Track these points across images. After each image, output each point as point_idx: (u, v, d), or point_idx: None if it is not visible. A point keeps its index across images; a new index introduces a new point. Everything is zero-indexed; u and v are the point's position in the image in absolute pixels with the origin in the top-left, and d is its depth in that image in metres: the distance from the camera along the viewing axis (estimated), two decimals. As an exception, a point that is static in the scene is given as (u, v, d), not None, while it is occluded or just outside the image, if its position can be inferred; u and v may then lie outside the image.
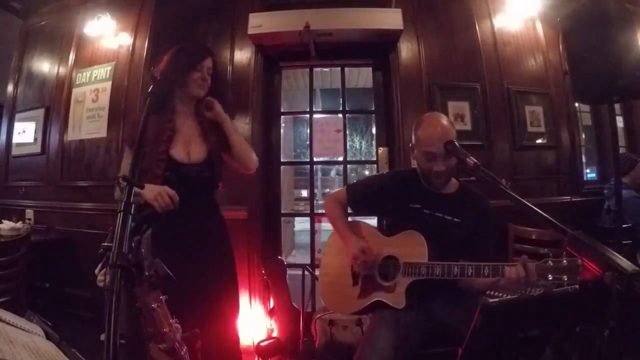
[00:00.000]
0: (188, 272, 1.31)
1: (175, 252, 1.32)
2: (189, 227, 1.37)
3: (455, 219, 1.43)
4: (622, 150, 2.94)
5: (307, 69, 3.09)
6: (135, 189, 0.93)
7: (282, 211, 3.06)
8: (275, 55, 2.90)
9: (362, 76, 4.54)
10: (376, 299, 1.41)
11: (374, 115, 3.04)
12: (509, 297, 1.23)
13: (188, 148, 1.41)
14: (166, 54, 1.46)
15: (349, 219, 1.64)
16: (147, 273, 0.83)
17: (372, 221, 1.98)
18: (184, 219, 1.35)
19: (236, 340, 1.53)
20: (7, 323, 0.70)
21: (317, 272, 1.81)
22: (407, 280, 1.35)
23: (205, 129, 1.46)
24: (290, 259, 4.79)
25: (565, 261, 1.04)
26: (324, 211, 1.65)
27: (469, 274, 1.23)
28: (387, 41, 2.78)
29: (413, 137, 1.49)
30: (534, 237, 2.43)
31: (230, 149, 1.48)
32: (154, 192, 1.22)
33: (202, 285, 1.37)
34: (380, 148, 2.90)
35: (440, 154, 1.36)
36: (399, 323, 1.31)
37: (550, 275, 1.05)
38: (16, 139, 3.48)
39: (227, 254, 1.51)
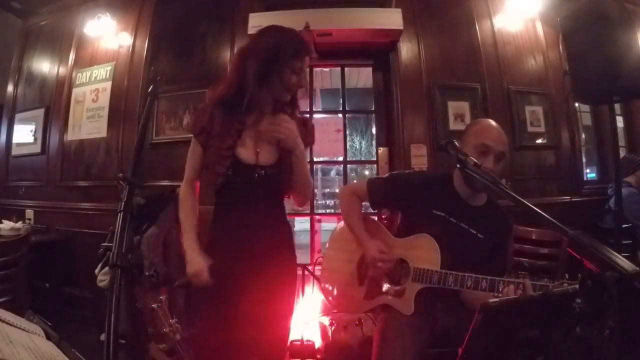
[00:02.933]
0: (245, 277, 1.22)
1: (233, 258, 1.23)
2: (250, 231, 1.23)
3: (479, 235, 1.37)
4: (622, 150, 2.93)
5: (307, 69, 3.09)
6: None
7: (282, 211, 3.05)
8: (275, 55, 2.90)
9: (362, 76, 4.53)
10: (383, 302, 1.38)
11: (374, 115, 3.04)
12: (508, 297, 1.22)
13: (258, 148, 1.24)
14: (259, 34, 1.26)
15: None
16: (147, 273, 0.83)
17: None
18: (246, 223, 1.23)
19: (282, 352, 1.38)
20: (7, 323, 0.70)
21: (317, 272, 1.79)
22: (416, 287, 1.31)
23: None
24: (290, 259, 4.78)
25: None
26: (338, 200, 1.54)
27: (483, 287, 1.19)
28: (387, 41, 2.78)
29: (462, 137, 1.40)
30: (534, 237, 2.43)
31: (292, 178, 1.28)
32: (194, 270, 1.16)
33: (258, 292, 1.23)
34: (380, 148, 2.90)
35: (495, 152, 1.30)
36: (409, 327, 1.30)
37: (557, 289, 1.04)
38: (16, 139, 3.48)
39: (289, 265, 1.33)
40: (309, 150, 3.09)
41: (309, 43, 1.27)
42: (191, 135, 1.30)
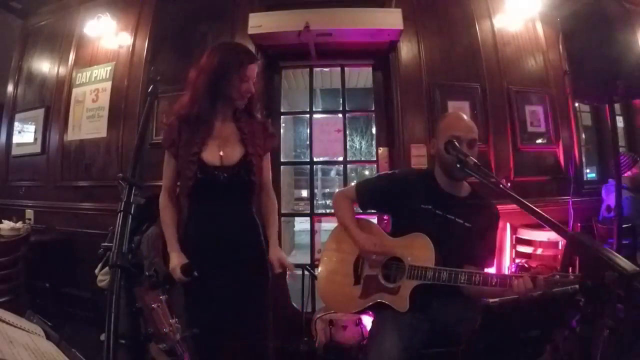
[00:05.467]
0: (216, 274, 1.34)
1: (203, 253, 1.35)
2: (219, 229, 1.37)
3: (466, 224, 1.41)
4: (622, 150, 2.93)
5: (307, 69, 3.09)
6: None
7: (282, 211, 3.05)
8: (275, 55, 2.90)
9: (362, 76, 4.53)
10: (379, 300, 1.39)
11: (374, 115, 3.04)
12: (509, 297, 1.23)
13: (221, 151, 1.38)
14: (208, 53, 1.40)
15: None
16: (147, 273, 0.83)
17: (373, 219, 1.97)
18: (215, 222, 1.37)
19: (267, 348, 1.46)
20: (7, 323, 0.70)
21: (316, 272, 1.80)
22: (411, 284, 1.33)
23: (243, 133, 1.42)
24: (290, 259, 4.78)
25: (572, 276, 1.05)
26: (332, 205, 1.61)
27: (476, 282, 1.22)
28: (387, 41, 2.78)
29: (435, 131, 1.50)
30: (534, 237, 2.43)
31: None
32: (174, 264, 1.30)
33: (229, 289, 1.36)
34: (380, 148, 2.90)
35: (467, 141, 1.37)
36: (403, 324, 1.30)
37: (556, 288, 1.05)
38: (16, 139, 3.48)
39: (257, 258, 1.44)
40: (308, 150, 3.09)
41: (251, 52, 1.43)
42: None
